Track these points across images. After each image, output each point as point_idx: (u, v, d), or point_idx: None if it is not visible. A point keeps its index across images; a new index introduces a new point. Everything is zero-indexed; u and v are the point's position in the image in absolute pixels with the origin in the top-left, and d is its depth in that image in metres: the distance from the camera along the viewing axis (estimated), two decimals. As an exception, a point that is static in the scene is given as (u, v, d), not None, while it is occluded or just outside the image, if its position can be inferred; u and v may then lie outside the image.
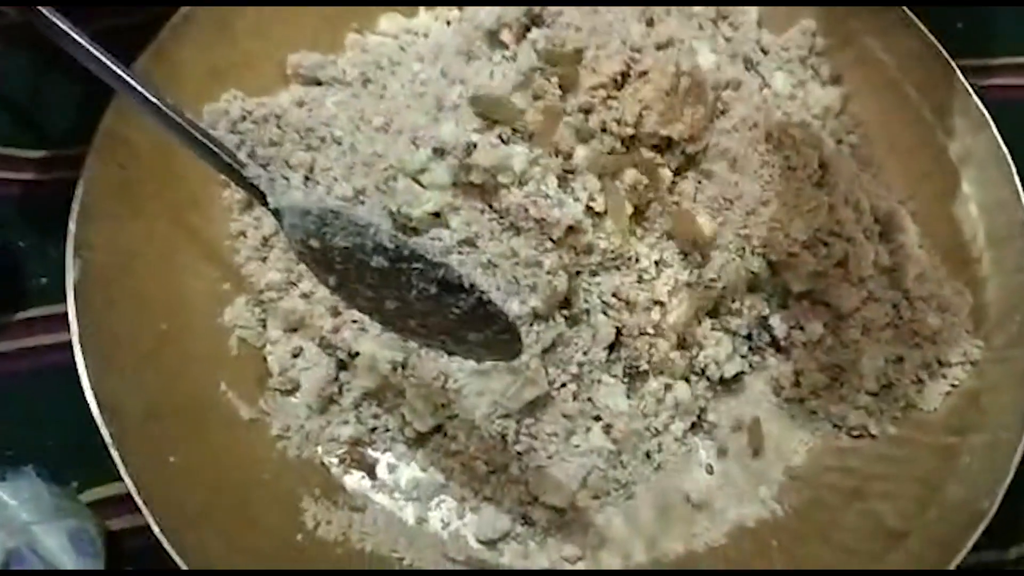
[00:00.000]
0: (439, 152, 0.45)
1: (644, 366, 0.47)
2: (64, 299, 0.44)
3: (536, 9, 0.47)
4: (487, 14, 0.47)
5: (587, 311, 0.45)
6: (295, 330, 0.49)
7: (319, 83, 0.54)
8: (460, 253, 0.45)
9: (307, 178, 0.51)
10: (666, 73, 0.43)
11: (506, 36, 0.47)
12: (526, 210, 0.44)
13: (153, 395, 0.44)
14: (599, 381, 0.46)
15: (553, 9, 0.47)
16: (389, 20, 0.56)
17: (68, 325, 0.43)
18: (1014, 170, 0.49)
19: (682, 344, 0.47)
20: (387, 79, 0.52)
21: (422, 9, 0.56)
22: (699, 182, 0.46)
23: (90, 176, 0.46)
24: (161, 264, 0.47)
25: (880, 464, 0.47)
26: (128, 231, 0.46)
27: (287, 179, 0.41)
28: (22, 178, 0.53)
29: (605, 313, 0.45)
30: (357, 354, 0.47)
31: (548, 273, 0.44)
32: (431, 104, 0.47)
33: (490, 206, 0.45)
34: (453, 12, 0.55)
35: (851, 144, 0.52)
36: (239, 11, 0.52)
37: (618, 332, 0.46)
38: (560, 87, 0.44)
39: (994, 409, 0.45)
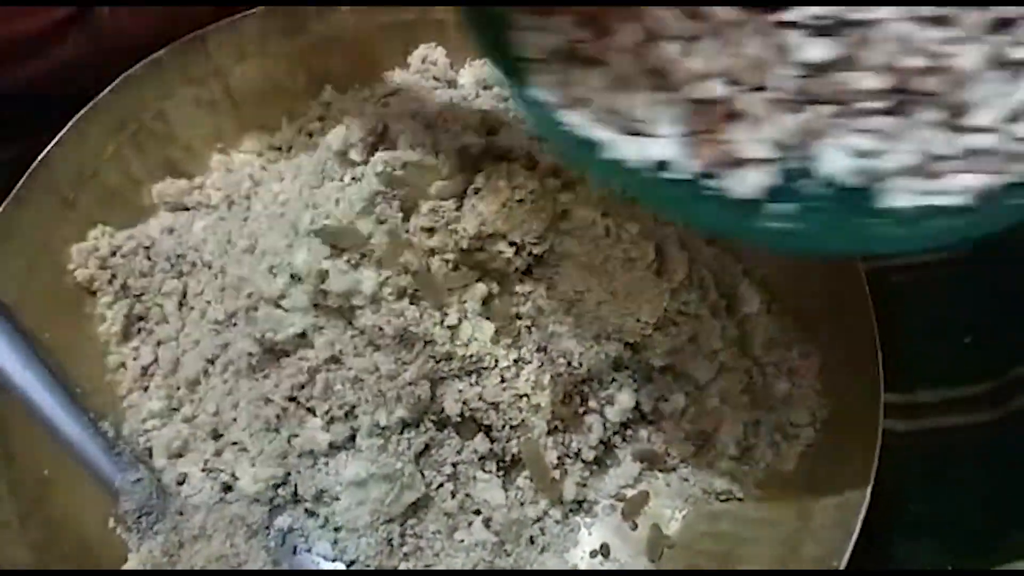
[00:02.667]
0: (295, 278, 0.47)
1: (516, 457, 0.49)
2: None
3: (381, 126, 0.49)
4: (334, 136, 0.49)
5: (455, 414, 0.47)
6: (180, 456, 0.50)
7: (187, 208, 0.55)
8: (328, 371, 0.47)
9: (181, 304, 0.53)
10: (500, 188, 0.46)
11: (355, 155, 0.49)
12: (381, 328, 0.46)
13: (41, 543, 0.46)
14: (474, 478, 0.48)
15: (398, 126, 0.49)
16: (252, 139, 0.58)
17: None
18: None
19: (552, 431, 0.49)
20: (251, 200, 0.54)
21: (284, 123, 0.58)
22: (549, 279, 0.49)
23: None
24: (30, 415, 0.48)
25: (748, 527, 0.49)
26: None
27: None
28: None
29: (473, 417, 0.47)
30: (237, 479, 0.48)
31: (411, 384, 0.46)
32: (288, 228, 0.49)
33: (350, 323, 0.47)
34: (314, 124, 0.58)
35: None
36: (101, 147, 0.54)
37: (488, 429, 0.48)
38: (402, 209, 0.46)
39: (843, 468, 0.48)
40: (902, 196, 0.31)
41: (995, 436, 0.56)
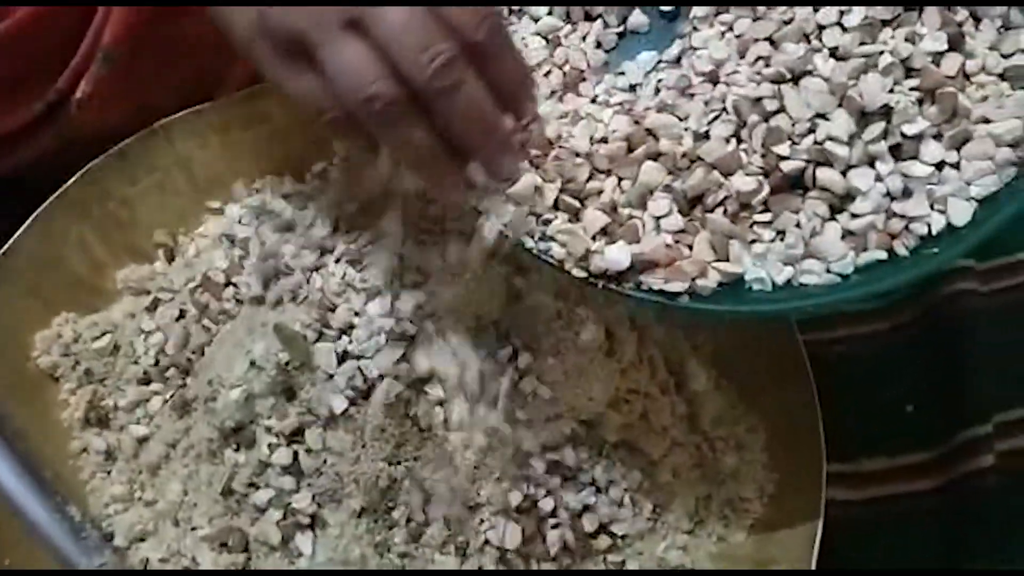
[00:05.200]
0: (255, 366, 0.48)
1: (473, 541, 0.50)
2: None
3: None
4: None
5: (417, 504, 0.48)
6: (141, 540, 0.51)
7: (149, 293, 0.56)
8: (288, 456, 0.48)
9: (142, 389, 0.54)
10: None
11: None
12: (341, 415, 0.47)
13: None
14: (432, 561, 0.49)
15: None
16: (215, 222, 0.59)
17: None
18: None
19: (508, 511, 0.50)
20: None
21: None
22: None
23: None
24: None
25: (701, 600, 0.51)
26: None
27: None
28: None
29: (427, 499, 0.49)
30: (198, 564, 0.49)
31: (369, 471, 0.47)
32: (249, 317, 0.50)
33: (310, 411, 0.48)
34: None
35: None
36: (64, 234, 0.55)
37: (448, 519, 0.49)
38: None
39: (790, 538, 0.49)
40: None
41: (940, 501, 0.58)
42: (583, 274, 0.43)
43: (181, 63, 0.57)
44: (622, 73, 0.50)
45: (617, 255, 0.41)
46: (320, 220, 0.51)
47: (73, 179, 0.55)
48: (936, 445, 0.59)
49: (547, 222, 0.44)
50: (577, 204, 0.44)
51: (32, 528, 0.47)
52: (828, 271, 0.41)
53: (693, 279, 0.41)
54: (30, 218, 0.54)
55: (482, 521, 0.49)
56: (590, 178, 0.44)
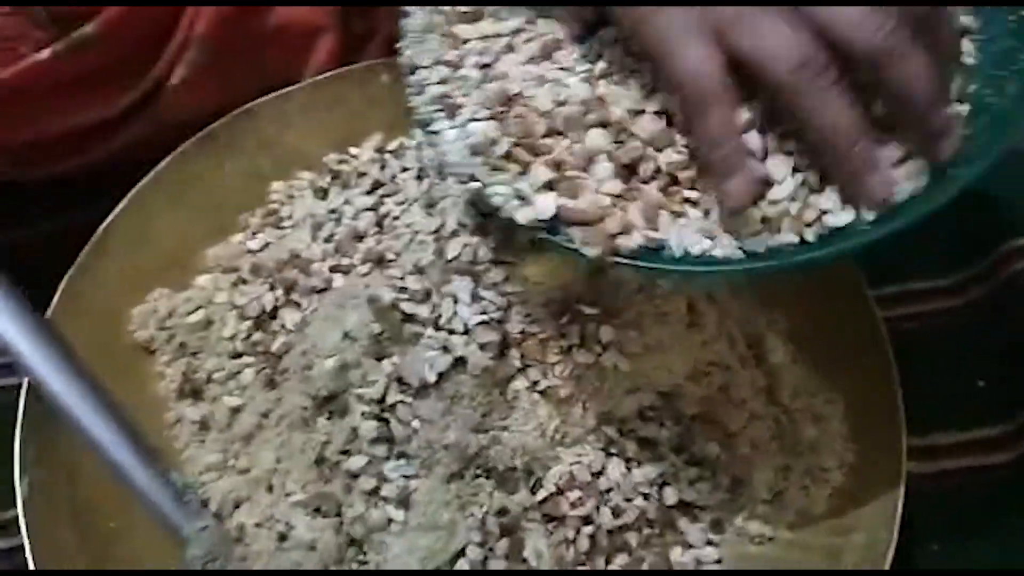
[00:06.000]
0: (348, 336, 0.50)
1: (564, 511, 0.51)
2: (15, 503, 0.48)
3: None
4: None
5: (503, 466, 0.50)
6: (236, 507, 0.53)
7: (237, 270, 0.58)
8: (378, 424, 0.50)
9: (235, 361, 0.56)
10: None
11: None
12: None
13: (108, 591, 0.48)
14: (520, 527, 0.50)
15: None
16: (300, 200, 0.61)
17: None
18: (864, 283, 0.55)
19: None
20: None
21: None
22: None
23: (30, 392, 0.50)
24: (103, 467, 0.51)
25: (780, 569, 0.51)
26: (69, 441, 0.50)
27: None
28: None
29: (519, 469, 0.50)
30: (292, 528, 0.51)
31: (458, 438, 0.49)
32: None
33: (400, 380, 0.50)
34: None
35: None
36: (156, 214, 0.57)
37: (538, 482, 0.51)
38: None
39: (870, 508, 0.50)
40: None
41: (1011, 477, 0.58)
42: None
43: (267, 50, 0.59)
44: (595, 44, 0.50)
45: (544, 203, 0.42)
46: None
47: (165, 161, 0.57)
48: (1008, 420, 0.59)
49: (496, 170, 0.44)
50: (529, 158, 0.44)
51: (138, 494, 0.49)
52: (741, 249, 0.41)
53: (615, 235, 0.42)
54: (125, 198, 0.56)
55: (564, 490, 0.51)
56: (546, 136, 0.45)
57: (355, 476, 0.50)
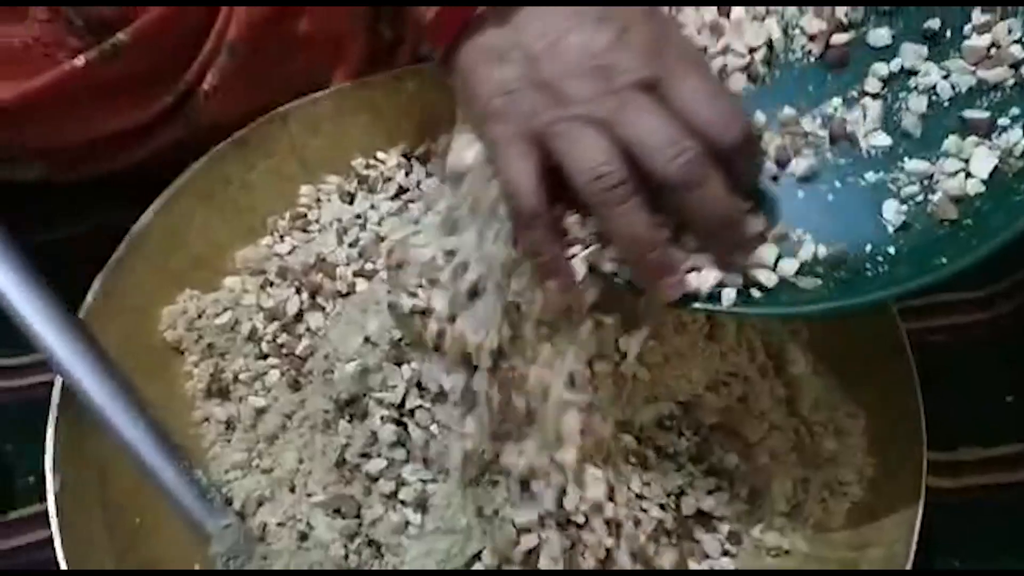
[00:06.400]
0: (369, 342, 0.51)
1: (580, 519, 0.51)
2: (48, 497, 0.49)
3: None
4: None
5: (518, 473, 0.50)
6: (259, 505, 0.54)
7: (264, 272, 0.59)
8: (397, 430, 0.51)
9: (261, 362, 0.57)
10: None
11: None
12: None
13: (133, 585, 0.50)
14: (539, 536, 0.51)
15: None
16: (327, 205, 0.62)
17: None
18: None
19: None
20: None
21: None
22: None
23: (63, 390, 0.51)
24: (132, 465, 0.52)
25: (797, 582, 0.52)
26: (100, 438, 0.51)
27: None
28: (4, 385, 0.59)
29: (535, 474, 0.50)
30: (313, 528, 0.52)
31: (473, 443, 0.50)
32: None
33: (419, 385, 0.50)
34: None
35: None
36: (187, 216, 0.58)
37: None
38: None
39: (888, 523, 0.50)
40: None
41: (1037, 493, 0.58)
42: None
43: (297, 56, 0.60)
44: None
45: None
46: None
47: (197, 164, 0.58)
48: (1035, 436, 0.59)
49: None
50: None
51: (164, 492, 0.50)
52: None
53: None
54: (157, 201, 0.57)
55: (581, 498, 0.51)
56: None
57: (374, 479, 0.51)
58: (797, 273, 0.42)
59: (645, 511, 0.52)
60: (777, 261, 0.42)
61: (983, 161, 0.41)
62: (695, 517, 0.53)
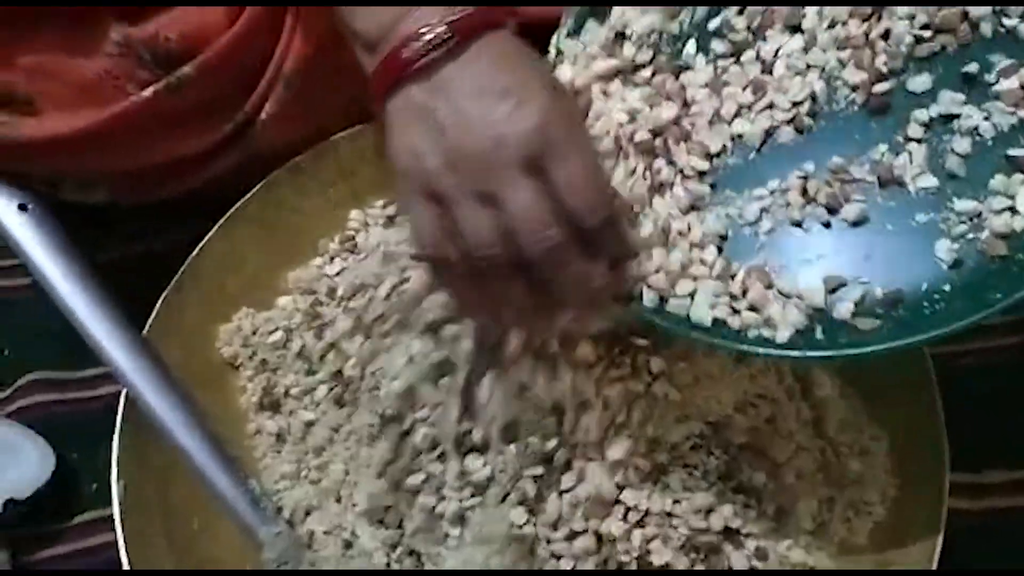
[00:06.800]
0: (412, 360, 0.54)
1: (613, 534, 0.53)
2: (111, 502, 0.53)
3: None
4: None
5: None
6: (307, 514, 0.57)
7: (314, 292, 0.63)
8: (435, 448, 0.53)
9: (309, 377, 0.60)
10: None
11: None
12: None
13: (190, 587, 0.53)
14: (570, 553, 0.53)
15: None
16: (375, 230, 0.65)
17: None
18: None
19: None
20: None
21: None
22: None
23: (128, 402, 0.55)
24: (190, 473, 0.55)
25: (821, 599, 0.53)
26: (161, 448, 0.54)
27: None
28: (71, 397, 0.63)
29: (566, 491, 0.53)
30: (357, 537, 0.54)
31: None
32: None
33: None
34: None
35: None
36: (244, 239, 0.62)
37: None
38: None
39: (911, 543, 0.51)
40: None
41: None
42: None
43: (346, 87, 0.63)
44: None
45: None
46: None
47: (254, 191, 0.62)
48: (1060, 460, 0.60)
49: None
50: None
51: (219, 499, 0.53)
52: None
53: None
54: (216, 224, 0.61)
55: (610, 515, 0.53)
56: None
57: (416, 492, 0.54)
58: (854, 315, 0.44)
59: (675, 528, 0.54)
60: (833, 304, 0.45)
61: None
62: (723, 533, 0.55)
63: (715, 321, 0.46)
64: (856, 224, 0.46)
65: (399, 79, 0.44)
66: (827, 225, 0.46)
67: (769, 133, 0.48)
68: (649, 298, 0.46)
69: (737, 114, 0.48)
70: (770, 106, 0.48)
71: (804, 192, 0.47)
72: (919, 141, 0.46)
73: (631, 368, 0.54)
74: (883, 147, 0.46)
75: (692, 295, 0.46)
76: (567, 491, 0.53)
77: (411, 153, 0.43)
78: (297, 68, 0.60)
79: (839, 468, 0.55)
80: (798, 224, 0.47)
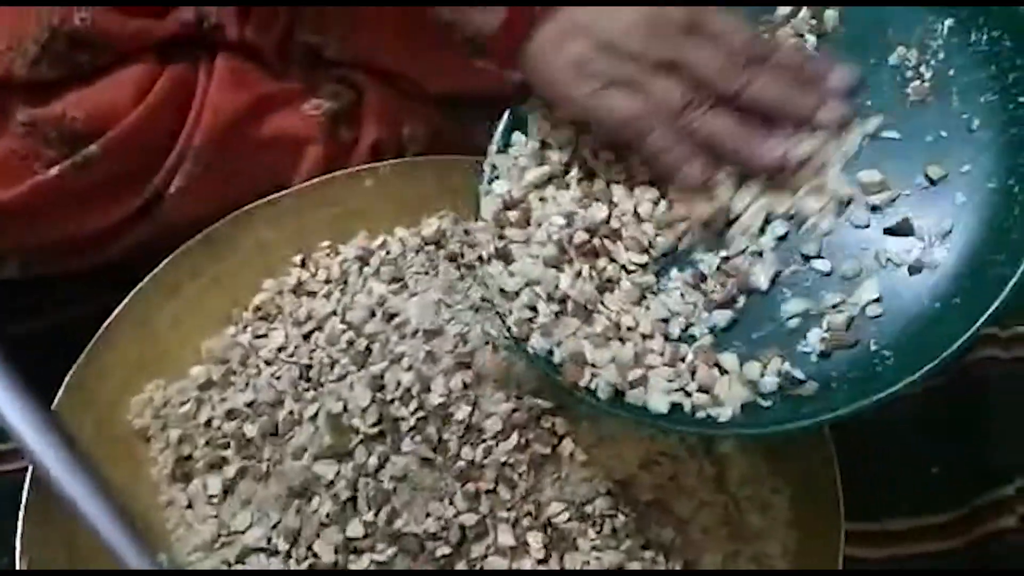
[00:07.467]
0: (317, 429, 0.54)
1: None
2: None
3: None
4: None
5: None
6: (222, 584, 0.57)
7: (226, 362, 0.63)
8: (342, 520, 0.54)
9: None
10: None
11: None
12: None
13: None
14: None
15: None
16: (291, 298, 0.66)
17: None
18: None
19: None
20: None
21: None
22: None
23: (34, 478, 0.55)
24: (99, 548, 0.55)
25: (727, 654, 0.54)
26: (68, 523, 0.54)
27: None
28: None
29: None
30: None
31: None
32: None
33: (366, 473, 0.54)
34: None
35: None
36: (157, 309, 0.62)
37: None
38: None
39: (810, 594, 0.53)
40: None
41: (962, 563, 0.60)
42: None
43: (261, 158, 0.64)
44: None
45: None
46: None
47: (165, 261, 0.62)
48: (959, 506, 0.62)
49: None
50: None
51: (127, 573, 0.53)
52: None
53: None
54: (128, 296, 0.61)
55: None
56: None
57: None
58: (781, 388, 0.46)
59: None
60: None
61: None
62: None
63: (672, 406, 0.47)
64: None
65: (533, 21, 0.48)
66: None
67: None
68: (606, 391, 0.47)
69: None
70: None
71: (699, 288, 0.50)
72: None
73: (536, 430, 0.55)
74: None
75: (646, 384, 0.48)
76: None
77: (576, 64, 0.48)
78: (206, 142, 0.61)
79: (741, 523, 0.57)
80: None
